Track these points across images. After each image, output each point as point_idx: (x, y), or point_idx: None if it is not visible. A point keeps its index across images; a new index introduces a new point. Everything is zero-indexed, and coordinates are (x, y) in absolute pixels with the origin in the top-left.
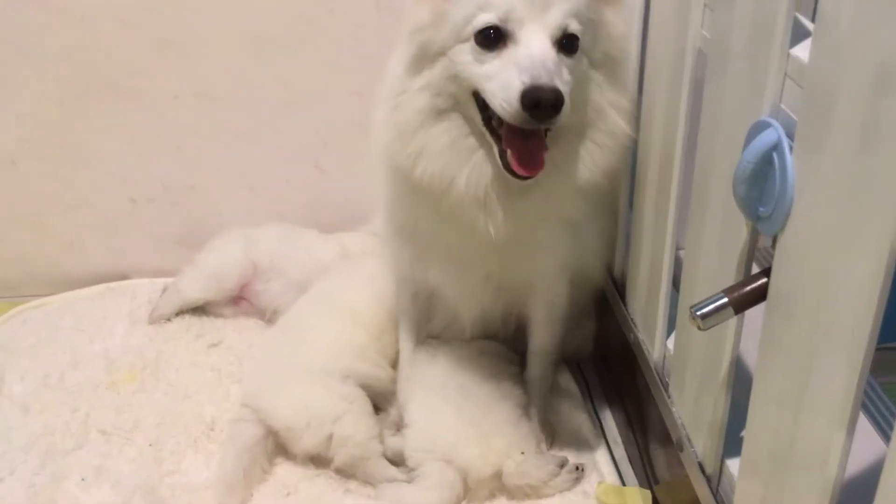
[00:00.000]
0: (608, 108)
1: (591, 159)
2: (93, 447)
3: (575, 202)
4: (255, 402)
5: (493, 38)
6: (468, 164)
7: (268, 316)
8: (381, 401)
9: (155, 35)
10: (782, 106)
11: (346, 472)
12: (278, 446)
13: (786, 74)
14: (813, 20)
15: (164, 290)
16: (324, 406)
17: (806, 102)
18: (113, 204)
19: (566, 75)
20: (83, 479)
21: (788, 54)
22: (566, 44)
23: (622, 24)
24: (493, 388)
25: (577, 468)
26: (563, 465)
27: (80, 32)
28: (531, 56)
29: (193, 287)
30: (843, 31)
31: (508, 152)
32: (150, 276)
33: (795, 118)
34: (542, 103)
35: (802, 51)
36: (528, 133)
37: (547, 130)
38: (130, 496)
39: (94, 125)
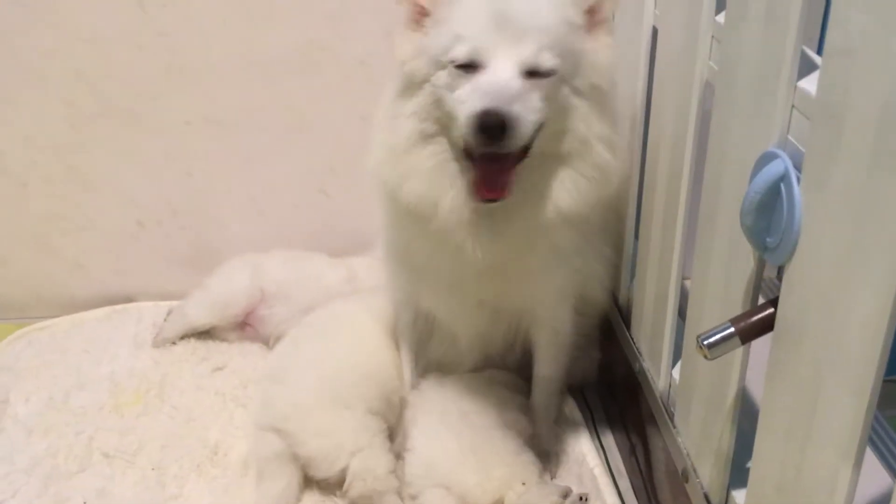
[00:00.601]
0: (594, 140)
1: (576, 189)
2: (96, 470)
3: (562, 232)
4: (283, 425)
5: (466, 67)
6: (452, 188)
7: (272, 342)
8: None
9: (166, 60)
10: (789, 137)
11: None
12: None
13: (793, 106)
14: (819, 53)
15: (169, 313)
16: (348, 437)
17: (814, 134)
18: (120, 226)
19: (536, 101)
20: (85, 503)
21: (796, 86)
22: (540, 74)
23: (606, 53)
24: (497, 417)
25: (581, 498)
26: (566, 495)
27: (91, 56)
28: (492, 82)
29: (200, 312)
30: (850, 64)
31: (473, 175)
32: (155, 298)
33: (803, 149)
34: (487, 127)
35: (810, 83)
36: (494, 157)
37: (521, 156)
38: None
39: (104, 148)
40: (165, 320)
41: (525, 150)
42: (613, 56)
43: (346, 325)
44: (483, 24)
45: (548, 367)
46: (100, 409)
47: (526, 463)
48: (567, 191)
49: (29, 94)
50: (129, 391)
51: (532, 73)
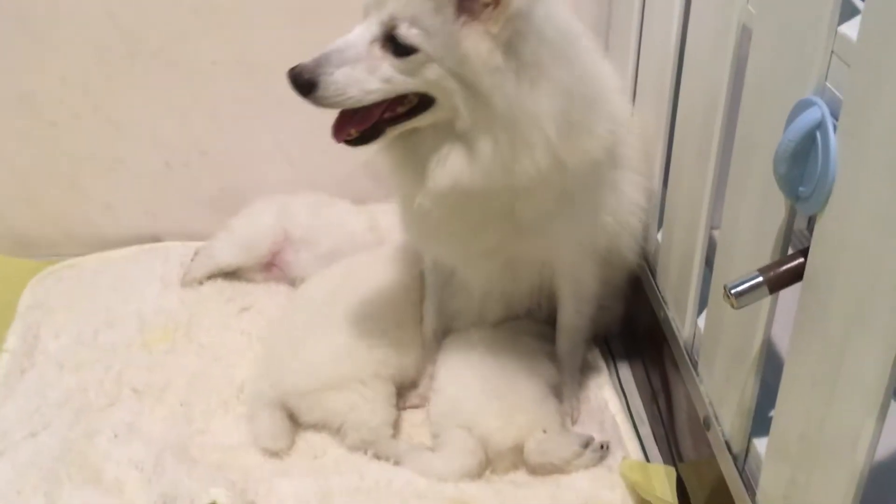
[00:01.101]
0: (476, 121)
1: (462, 166)
2: (125, 405)
3: (532, 198)
4: (289, 397)
5: None
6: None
7: (297, 284)
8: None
9: (196, 0)
10: (828, 84)
11: (356, 448)
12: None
13: (832, 52)
14: None
15: (196, 253)
16: (349, 406)
17: (853, 81)
18: (148, 167)
19: (385, 71)
20: (115, 436)
21: (836, 31)
22: (398, 46)
23: (483, 56)
24: (524, 364)
25: (602, 446)
26: (587, 444)
27: None
28: (335, 43)
29: (226, 253)
30: (893, 9)
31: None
32: (182, 238)
33: (841, 97)
34: (292, 79)
35: (850, 29)
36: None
37: (390, 116)
38: (161, 454)
39: (133, 89)
40: (192, 260)
41: (394, 112)
42: (495, 55)
43: (358, 289)
44: None
45: (571, 317)
46: (128, 346)
47: (549, 411)
48: (451, 162)
49: (59, 35)
50: (156, 329)
51: (392, 45)
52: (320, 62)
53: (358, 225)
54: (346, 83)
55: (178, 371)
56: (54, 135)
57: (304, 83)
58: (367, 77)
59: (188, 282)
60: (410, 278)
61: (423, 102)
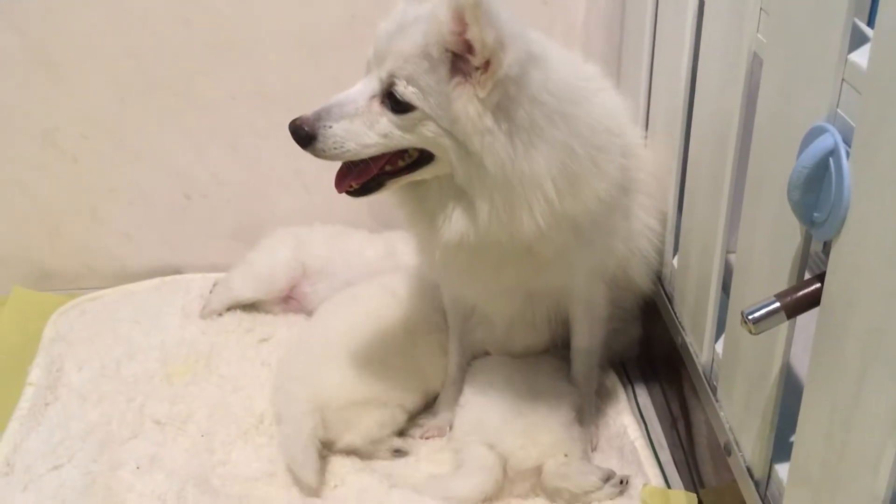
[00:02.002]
0: (472, 181)
1: (465, 219)
2: (148, 437)
3: (548, 239)
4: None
5: None
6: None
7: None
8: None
9: (214, 36)
10: (839, 111)
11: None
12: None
13: (843, 80)
14: (870, 25)
15: (215, 285)
16: (360, 427)
17: (864, 108)
18: (168, 199)
19: (384, 126)
20: (138, 468)
21: (846, 59)
22: (396, 102)
23: (472, 118)
24: (550, 387)
25: (622, 481)
26: (608, 478)
27: (142, 32)
28: (337, 97)
29: (245, 287)
30: None
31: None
32: (202, 270)
33: (853, 123)
34: (293, 130)
35: (861, 56)
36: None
37: (390, 170)
38: (183, 485)
39: (153, 123)
40: (211, 292)
41: (395, 166)
42: (485, 118)
43: (373, 317)
44: (373, 48)
45: (584, 339)
46: (150, 378)
47: (572, 437)
48: (455, 219)
49: (79, 71)
50: (178, 361)
51: (391, 101)
52: (320, 115)
53: (374, 253)
54: (345, 137)
55: (199, 402)
56: (76, 169)
57: (304, 136)
58: (366, 131)
59: (207, 314)
60: (428, 307)
61: (423, 157)
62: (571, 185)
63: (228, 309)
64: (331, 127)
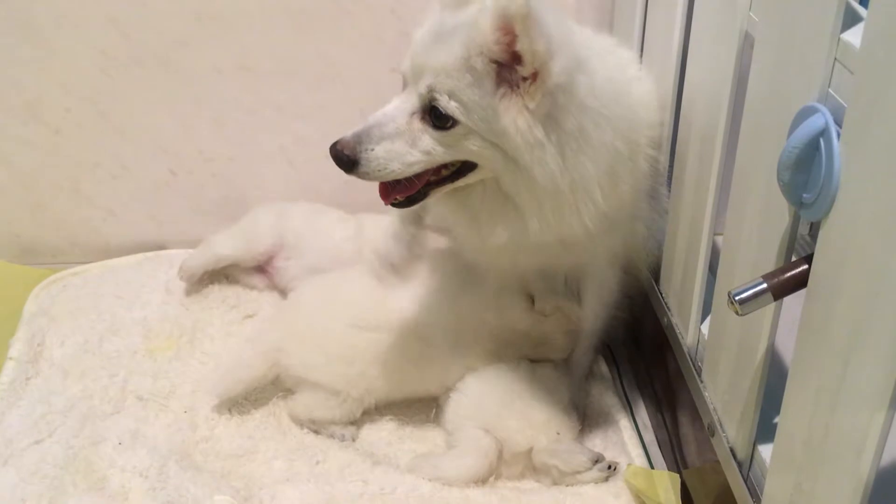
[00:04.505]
0: (520, 189)
1: (513, 226)
2: (130, 412)
3: (575, 241)
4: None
5: None
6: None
7: (288, 294)
8: None
9: (199, 8)
10: (830, 91)
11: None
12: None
13: (836, 59)
14: (862, 4)
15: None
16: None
17: (856, 88)
18: (153, 174)
19: (427, 143)
20: (120, 443)
21: (839, 39)
22: (438, 118)
23: (523, 131)
24: (548, 375)
25: (611, 467)
26: (597, 460)
27: (125, 3)
28: (375, 116)
29: (225, 245)
30: None
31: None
32: (186, 246)
33: (844, 104)
34: (335, 157)
35: (853, 36)
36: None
37: (434, 181)
38: (165, 460)
39: (137, 96)
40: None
41: (439, 175)
42: (535, 130)
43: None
44: (409, 60)
45: (589, 321)
46: (133, 354)
47: (567, 419)
48: (502, 225)
49: (62, 42)
50: (161, 336)
51: (432, 117)
52: (361, 138)
53: (341, 234)
54: (388, 158)
55: (183, 378)
56: (58, 143)
57: (347, 161)
58: (409, 150)
59: (185, 272)
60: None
61: (466, 165)
62: (614, 184)
63: (203, 286)
64: (373, 150)
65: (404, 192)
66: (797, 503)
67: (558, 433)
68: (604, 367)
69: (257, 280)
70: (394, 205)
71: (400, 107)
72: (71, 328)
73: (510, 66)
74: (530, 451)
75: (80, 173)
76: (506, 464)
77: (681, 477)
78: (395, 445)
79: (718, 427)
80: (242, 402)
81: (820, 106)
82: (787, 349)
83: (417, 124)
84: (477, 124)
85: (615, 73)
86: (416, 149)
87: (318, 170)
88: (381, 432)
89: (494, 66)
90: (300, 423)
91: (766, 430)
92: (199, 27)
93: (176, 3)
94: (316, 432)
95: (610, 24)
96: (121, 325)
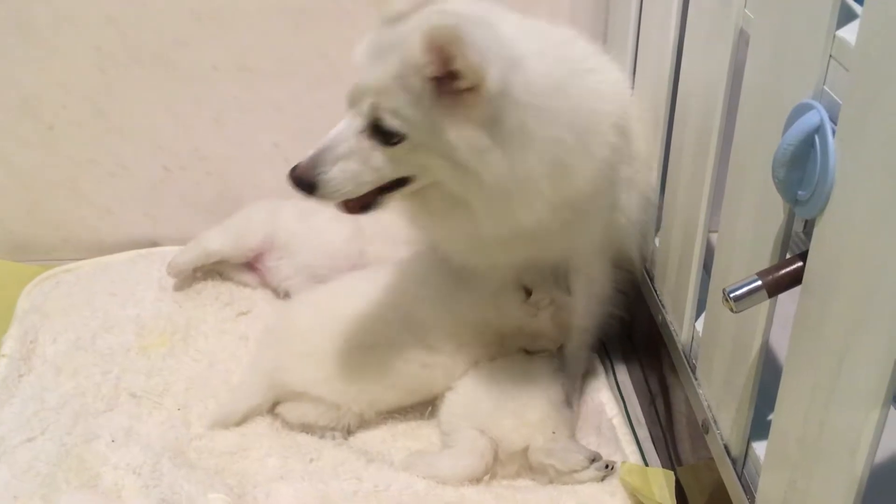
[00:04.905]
0: (468, 191)
1: (474, 222)
2: (123, 409)
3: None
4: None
5: None
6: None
7: (281, 294)
8: None
9: (197, 7)
10: (826, 88)
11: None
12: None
13: (831, 56)
14: (858, 1)
15: None
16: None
17: (851, 85)
18: (148, 172)
19: (377, 160)
20: (113, 441)
21: (835, 36)
22: (383, 134)
23: (469, 141)
24: (542, 373)
25: (608, 466)
26: (594, 459)
27: (124, 3)
28: (327, 137)
29: (215, 239)
30: (892, 13)
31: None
32: (180, 243)
33: (839, 101)
34: (295, 182)
35: (849, 33)
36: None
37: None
38: (159, 458)
39: (132, 93)
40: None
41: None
42: (481, 139)
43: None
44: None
45: (582, 317)
46: (126, 351)
47: (562, 417)
48: (456, 226)
49: (59, 39)
50: (154, 334)
51: (380, 135)
52: (316, 162)
53: (339, 236)
54: (343, 179)
55: (176, 375)
56: (54, 139)
57: (306, 185)
58: (362, 168)
59: (175, 268)
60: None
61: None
62: (565, 174)
63: (197, 282)
64: (328, 172)
65: (358, 202)
66: (791, 500)
67: (554, 432)
68: (597, 364)
69: (249, 278)
70: (353, 211)
71: (348, 126)
72: (64, 325)
73: (448, 81)
74: (526, 450)
75: (75, 170)
76: (501, 463)
77: (675, 474)
78: (389, 443)
79: (713, 424)
80: None
81: (815, 103)
82: (781, 346)
83: (366, 142)
84: (423, 138)
85: (556, 66)
86: (368, 166)
87: None
88: (375, 430)
89: (432, 82)
90: (293, 427)
91: (760, 428)
92: (198, 26)
93: (174, 1)
94: (308, 433)
95: (605, 19)
96: (114, 322)
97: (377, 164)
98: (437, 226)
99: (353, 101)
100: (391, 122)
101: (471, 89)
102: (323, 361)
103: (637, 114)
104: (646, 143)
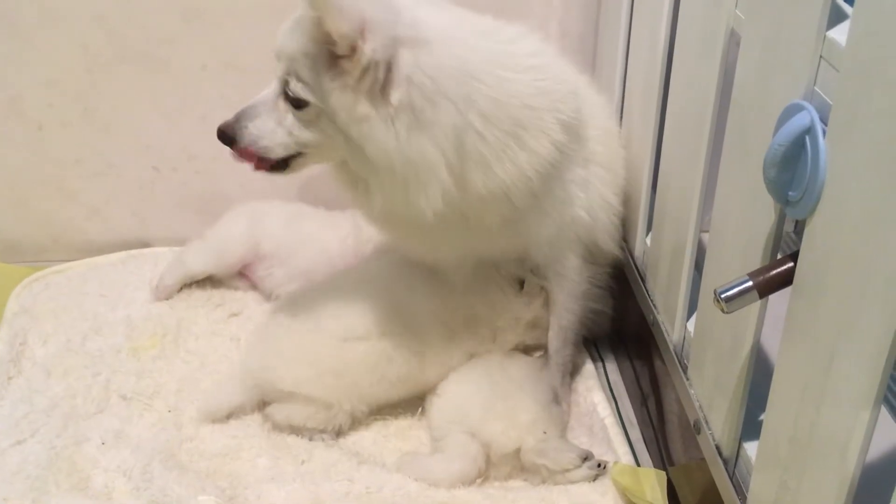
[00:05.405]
0: (361, 167)
1: (376, 198)
2: (113, 411)
3: (483, 211)
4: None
5: None
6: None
7: (273, 298)
8: None
9: (185, 5)
10: (816, 89)
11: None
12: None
13: (821, 57)
14: (848, 2)
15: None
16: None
17: (842, 86)
18: (137, 171)
19: (290, 123)
20: (103, 443)
21: (825, 36)
22: (293, 98)
23: (347, 108)
24: (529, 371)
25: (600, 465)
26: (586, 458)
27: (111, 1)
28: (254, 98)
29: (197, 260)
30: (882, 13)
31: None
32: (171, 244)
33: (830, 101)
34: (218, 134)
35: (839, 34)
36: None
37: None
38: (149, 460)
39: (121, 93)
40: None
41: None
42: (360, 106)
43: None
44: None
45: (558, 315)
46: (117, 353)
47: (552, 416)
48: (361, 200)
49: (46, 37)
50: (145, 335)
51: (291, 99)
52: (239, 117)
53: (335, 237)
54: (259, 134)
55: (167, 377)
56: (41, 139)
57: (226, 138)
58: (276, 128)
59: (162, 290)
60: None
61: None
62: (481, 164)
63: (186, 285)
64: (246, 127)
65: (268, 161)
66: (783, 501)
67: (545, 432)
68: (589, 364)
69: (239, 283)
70: (266, 170)
71: (271, 90)
72: (53, 327)
73: (333, 49)
74: (518, 451)
75: (63, 170)
76: (493, 465)
77: (667, 474)
78: (380, 444)
79: (704, 424)
80: None
81: (806, 103)
82: (772, 347)
83: (282, 105)
84: (322, 104)
85: (473, 54)
86: (282, 127)
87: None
88: (367, 431)
89: (326, 49)
90: (283, 429)
91: (751, 428)
92: (186, 25)
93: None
94: (299, 434)
95: (596, 20)
96: (104, 323)
97: (290, 126)
98: (354, 201)
99: (277, 67)
100: (294, 87)
101: (350, 57)
102: (311, 359)
103: (602, 120)
104: (604, 147)
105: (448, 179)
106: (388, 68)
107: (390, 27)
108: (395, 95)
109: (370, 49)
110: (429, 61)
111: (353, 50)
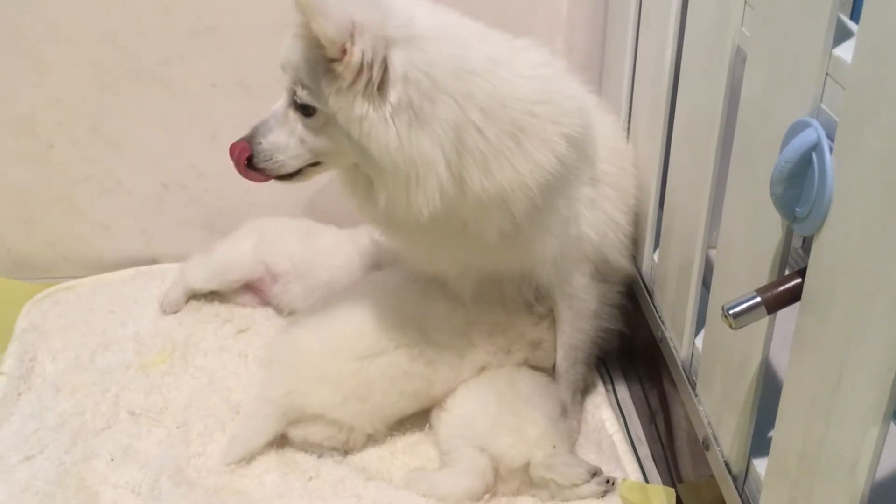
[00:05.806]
0: (369, 168)
1: (381, 202)
2: (122, 427)
3: (482, 220)
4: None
5: None
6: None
7: (286, 313)
8: None
9: (195, 23)
10: (823, 106)
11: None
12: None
13: (827, 74)
14: (854, 19)
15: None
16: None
17: (848, 103)
18: (146, 189)
19: (301, 132)
20: (112, 459)
21: (831, 54)
22: (301, 107)
23: (345, 109)
24: (537, 386)
25: (609, 481)
26: (595, 473)
27: (120, 17)
28: (269, 111)
29: (196, 275)
30: (887, 31)
31: None
32: (179, 260)
33: (836, 118)
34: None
35: (845, 51)
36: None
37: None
38: (158, 476)
39: (131, 110)
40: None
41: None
42: (357, 106)
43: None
44: None
45: (567, 334)
46: (125, 369)
47: (561, 430)
48: (367, 203)
49: (56, 56)
50: (153, 351)
51: (300, 108)
52: (253, 134)
53: (354, 250)
54: (273, 149)
55: (175, 393)
56: (51, 156)
57: (247, 158)
58: (288, 139)
59: (167, 304)
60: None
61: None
62: (479, 164)
63: (196, 301)
64: (261, 143)
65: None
66: None
67: (554, 446)
68: (597, 380)
69: (246, 299)
70: (278, 179)
71: (281, 103)
72: (63, 343)
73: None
74: (527, 466)
75: (73, 187)
76: (502, 480)
77: (676, 491)
78: (387, 461)
79: (713, 441)
80: (235, 417)
81: (812, 120)
82: (781, 363)
83: (292, 114)
84: (329, 110)
85: (476, 54)
86: (295, 137)
87: (310, 184)
88: (374, 447)
89: (322, 54)
90: (296, 446)
91: (760, 444)
92: (195, 42)
93: (171, 17)
94: (307, 451)
95: (602, 37)
96: (113, 339)
97: (301, 135)
98: (358, 205)
99: (284, 78)
100: (301, 94)
101: (339, 60)
102: (336, 383)
103: (612, 140)
104: (613, 166)
105: (446, 176)
106: (384, 68)
107: (380, 27)
108: (393, 94)
109: (359, 51)
110: (423, 58)
111: (344, 52)
